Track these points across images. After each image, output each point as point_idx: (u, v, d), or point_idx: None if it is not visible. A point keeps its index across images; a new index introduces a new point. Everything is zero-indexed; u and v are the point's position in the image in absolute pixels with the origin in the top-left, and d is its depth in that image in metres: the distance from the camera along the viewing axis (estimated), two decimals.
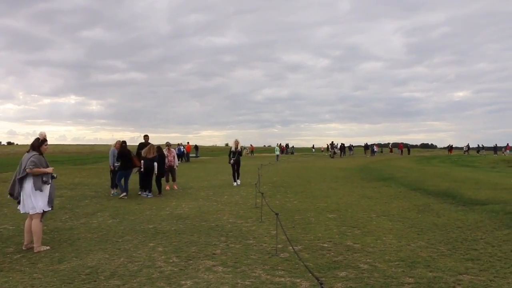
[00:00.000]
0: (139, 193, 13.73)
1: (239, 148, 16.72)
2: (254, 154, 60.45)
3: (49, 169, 6.78)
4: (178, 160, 34.35)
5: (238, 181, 16.51)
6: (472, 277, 5.11)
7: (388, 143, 76.45)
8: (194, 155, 47.60)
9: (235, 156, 16.42)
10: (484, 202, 10.72)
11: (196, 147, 51.68)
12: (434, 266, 5.56)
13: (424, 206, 10.65)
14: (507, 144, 59.17)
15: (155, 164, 13.42)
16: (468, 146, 65.84)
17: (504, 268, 5.44)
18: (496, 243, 6.72)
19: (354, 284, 4.91)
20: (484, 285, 4.82)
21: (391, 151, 66.94)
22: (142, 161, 13.26)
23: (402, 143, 72.24)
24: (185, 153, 38.91)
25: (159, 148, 14.16)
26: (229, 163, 16.70)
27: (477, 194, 12.09)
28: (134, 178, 14.21)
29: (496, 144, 63.52)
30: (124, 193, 12.73)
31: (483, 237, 7.16)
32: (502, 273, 5.24)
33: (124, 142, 13.41)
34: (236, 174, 16.52)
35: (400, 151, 64.14)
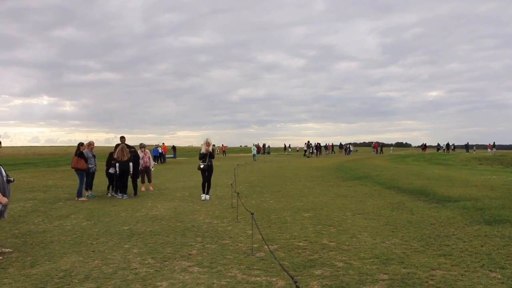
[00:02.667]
0: (108, 194, 13.64)
1: (211, 149, 12.91)
2: (227, 155, 59.56)
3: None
4: (155, 161, 34.06)
5: (207, 196, 12.57)
6: (444, 272, 5.21)
7: (371, 142, 77.09)
8: (172, 155, 47.21)
9: (206, 160, 12.66)
10: (456, 199, 10.94)
11: (173, 147, 51.26)
12: (408, 263, 5.65)
13: (399, 204, 10.80)
14: (494, 142, 60.39)
15: (130, 165, 13.29)
16: (448, 144, 65.83)
17: (474, 262, 5.57)
18: (467, 239, 6.87)
19: (330, 282, 4.95)
20: (456, 279, 4.92)
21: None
22: (116, 164, 13.15)
23: (377, 142, 73.16)
24: (163, 154, 38.42)
25: (132, 149, 14.05)
26: (199, 168, 12.83)
27: (450, 191, 12.32)
28: (104, 181, 14.16)
29: (468, 143, 64.94)
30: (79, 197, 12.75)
31: (455, 233, 7.31)
32: (473, 267, 5.36)
33: (79, 143, 13.42)
34: (206, 184, 12.68)
35: (375, 150, 64.83)
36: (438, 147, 68.24)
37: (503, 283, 4.77)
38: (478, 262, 5.59)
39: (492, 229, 7.43)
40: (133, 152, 13.88)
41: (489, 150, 59.41)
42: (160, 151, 37.12)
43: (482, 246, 6.40)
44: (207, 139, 12.72)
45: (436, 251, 6.20)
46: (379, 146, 67.06)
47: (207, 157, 12.67)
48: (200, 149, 12.94)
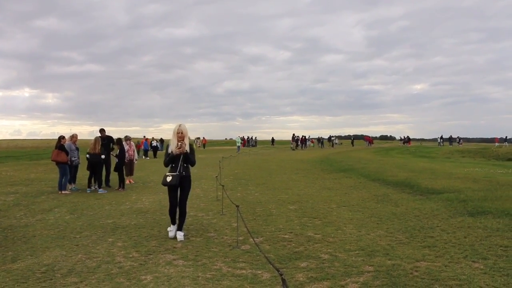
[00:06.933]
0: (91, 187, 13.50)
1: (186, 147, 6.75)
2: (206, 148, 57.49)
3: None
4: (145, 156, 33.56)
5: (180, 233, 6.78)
6: (429, 263, 5.25)
7: (356, 135, 76.85)
8: (160, 149, 46.77)
9: (178, 167, 6.80)
10: (440, 191, 11.04)
11: (161, 140, 50.99)
12: (393, 254, 5.68)
13: (383, 196, 10.87)
14: (506, 136, 57.98)
15: (102, 157, 13.10)
16: (441, 137, 65.56)
17: (457, 253, 5.62)
18: (450, 230, 6.93)
19: (315, 274, 4.95)
20: (440, 270, 4.96)
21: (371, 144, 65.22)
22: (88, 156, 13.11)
23: (366, 135, 73.58)
24: (157, 147, 37.07)
25: (119, 140, 13.94)
26: (165, 184, 6.81)
27: (433, 184, 12.44)
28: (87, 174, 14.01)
29: (451, 136, 65.55)
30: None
31: (439, 225, 7.38)
32: (456, 258, 5.41)
33: (60, 136, 13.17)
34: (178, 210, 6.92)
35: (367, 143, 64.93)
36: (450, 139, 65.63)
37: (485, 273, 4.81)
38: (462, 253, 5.64)
39: (475, 221, 7.51)
40: (118, 144, 13.79)
41: (497, 144, 54.16)
42: (155, 144, 36.28)
43: (465, 237, 6.46)
44: (180, 126, 6.80)
45: (421, 243, 6.24)
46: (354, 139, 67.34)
47: (179, 163, 6.85)
48: (167, 146, 7.00)
